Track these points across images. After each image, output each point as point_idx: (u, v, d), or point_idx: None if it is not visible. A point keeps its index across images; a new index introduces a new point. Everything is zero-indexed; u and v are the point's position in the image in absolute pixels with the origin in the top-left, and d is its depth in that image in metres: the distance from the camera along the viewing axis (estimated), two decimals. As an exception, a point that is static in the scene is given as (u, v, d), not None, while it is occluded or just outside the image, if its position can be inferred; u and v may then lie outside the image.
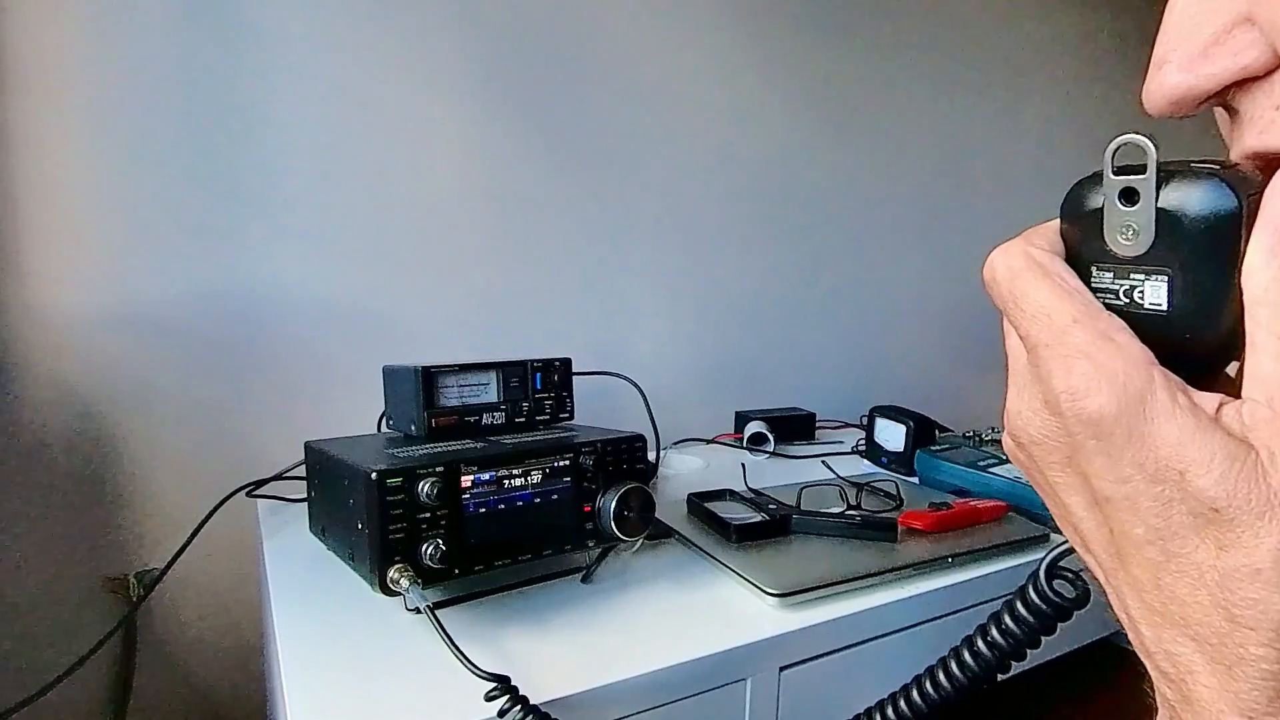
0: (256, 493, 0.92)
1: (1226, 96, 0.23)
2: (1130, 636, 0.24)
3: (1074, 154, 1.86)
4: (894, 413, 1.14)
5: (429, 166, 1.12)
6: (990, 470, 0.96)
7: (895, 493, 0.92)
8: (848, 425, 1.44)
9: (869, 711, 0.46)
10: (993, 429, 1.12)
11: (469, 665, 0.50)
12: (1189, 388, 0.22)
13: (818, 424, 1.38)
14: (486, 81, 1.15)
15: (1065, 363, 0.23)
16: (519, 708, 0.47)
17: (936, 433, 1.13)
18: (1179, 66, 0.23)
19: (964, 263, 1.72)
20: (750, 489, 0.91)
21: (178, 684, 1.02)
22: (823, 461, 1.17)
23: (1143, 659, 0.24)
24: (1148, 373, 0.22)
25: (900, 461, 1.10)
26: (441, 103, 1.12)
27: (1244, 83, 0.22)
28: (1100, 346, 0.22)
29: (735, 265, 1.42)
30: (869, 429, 1.18)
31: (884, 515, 0.81)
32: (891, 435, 1.13)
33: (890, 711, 0.44)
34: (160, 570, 0.92)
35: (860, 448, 1.23)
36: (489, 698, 0.48)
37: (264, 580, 0.74)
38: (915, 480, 1.05)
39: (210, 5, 0.96)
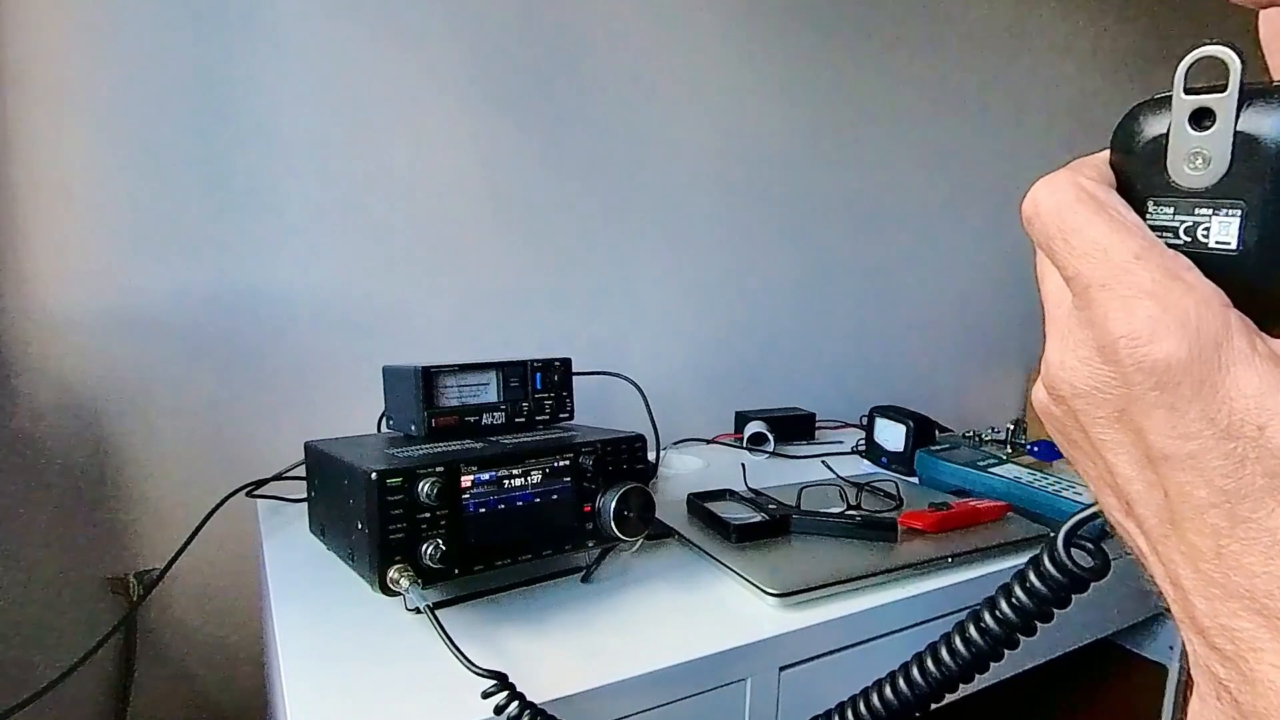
0: (256, 493, 0.92)
1: None
2: (1175, 610, 0.22)
3: (1074, 153, 1.86)
4: (894, 413, 1.14)
5: (429, 166, 1.12)
6: (990, 470, 0.96)
7: (895, 493, 0.92)
8: (847, 425, 1.44)
9: (866, 692, 0.45)
10: (992, 429, 1.12)
11: (467, 664, 0.50)
12: (1264, 334, 0.20)
13: (817, 424, 1.38)
14: (486, 81, 1.15)
15: (1126, 304, 0.20)
16: (516, 704, 0.47)
17: (936, 433, 1.12)
18: None
19: (962, 263, 1.72)
20: (750, 489, 0.91)
21: (178, 684, 1.02)
22: (823, 461, 1.17)
23: (1190, 634, 0.22)
24: (1223, 316, 0.19)
25: (900, 461, 1.10)
26: (441, 102, 1.12)
27: None
28: (1168, 286, 0.20)
29: (735, 265, 1.42)
30: (869, 429, 1.18)
31: (884, 515, 0.81)
32: (891, 435, 1.13)
33: (890, 690, 0.43)
34: (160, 570, 0.92)
35: (860, 448, 1.23)
36: (486, 695, 0.48)
37: (264, 580, 0.74)
38: (915, 480, 1.05)
39: (210, 5, 0.96)
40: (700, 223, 1.37)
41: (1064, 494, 0.87)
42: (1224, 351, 0.19)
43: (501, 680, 0.48)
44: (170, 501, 0.98)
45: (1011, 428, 1.10)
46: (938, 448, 1.06)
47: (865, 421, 1.20)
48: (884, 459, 1.14)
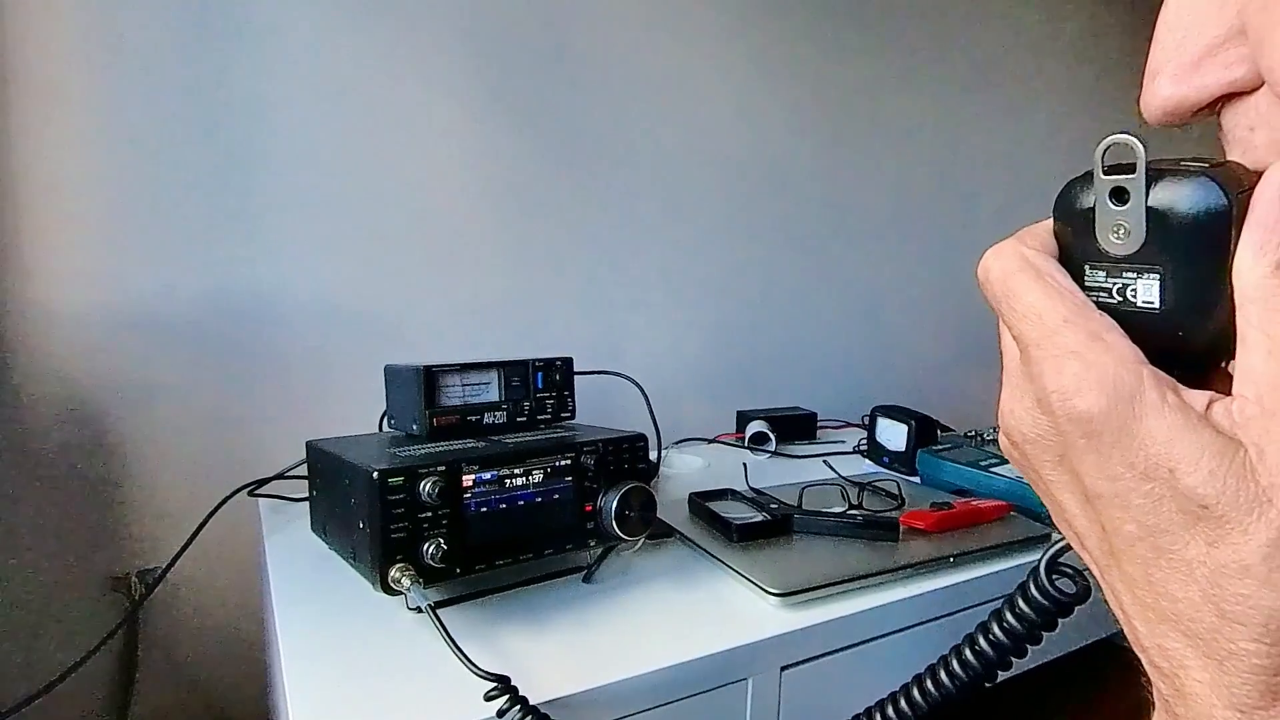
0: (258, 492, 0.92)
1: (1217, 109, 0.23)
2: (1125, 631, 0.25)
3: (1078, 153, 1.85)
4: (896, 412, 1.13)
5: (431, 166, 1.12)
6: (992, 470, 0.96)
7: (897, 492, 0.91)
8: (849, 425, 1.44)
9: (870, 710, 0.46)
10: (994, 429, 1.11)
11: (469, 665, 0.50)
12: (1179, 386, 0.22)
13: (819, 423, 1.38)
14: (489, 81, 1.15)
15: (1056, 362, 0.23)
16: (518, 708, 0.47)
17: (938, 432, 1.12)
18: (1170, 77, 0.23)
19: (966, 262, 1.71)
20: (752, 488, 0.91)
21: (179, 682, 1.02)
22: (824, 461, 1.17)
23: (1138, 653, 0.24)
24: (1137, 372, 0.22)
25: (902, 461, 1.10)
26: (444, 102, 1.12)
27: (1231, 97, 0.23)
28: (1090, 346, 0.22)
29: (737, 265, 1.42)
30: (870, 428, 1.18)
31: (885, 515, 0.81)
32: (893, 435, 1.12)
33: (891, 710, 0.44)
34: (162, 569, 0.92)
35: (862, 447, 1.23)
36: (488, 697, 0.48)
37: (265, 579, 0.75)
38: (917, 480, 1.05)
39: (214, 5, 0.96)
40: (702, 222, 1.37)
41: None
42: (1137, 404, 0.21)
43: (504, 683, 0.48)
44: (172, 500, 0.98)
45: (1013, 427, 1.09)
46: (939, 447, 1.06)
47: (867, 421, 1.20)
48: (886, 458, 1.14)
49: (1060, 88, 1.85)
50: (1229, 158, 0.23)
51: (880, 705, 0.45)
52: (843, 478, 1.02)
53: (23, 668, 0.91)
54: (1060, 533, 0.28)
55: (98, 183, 0.93)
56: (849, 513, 0.82)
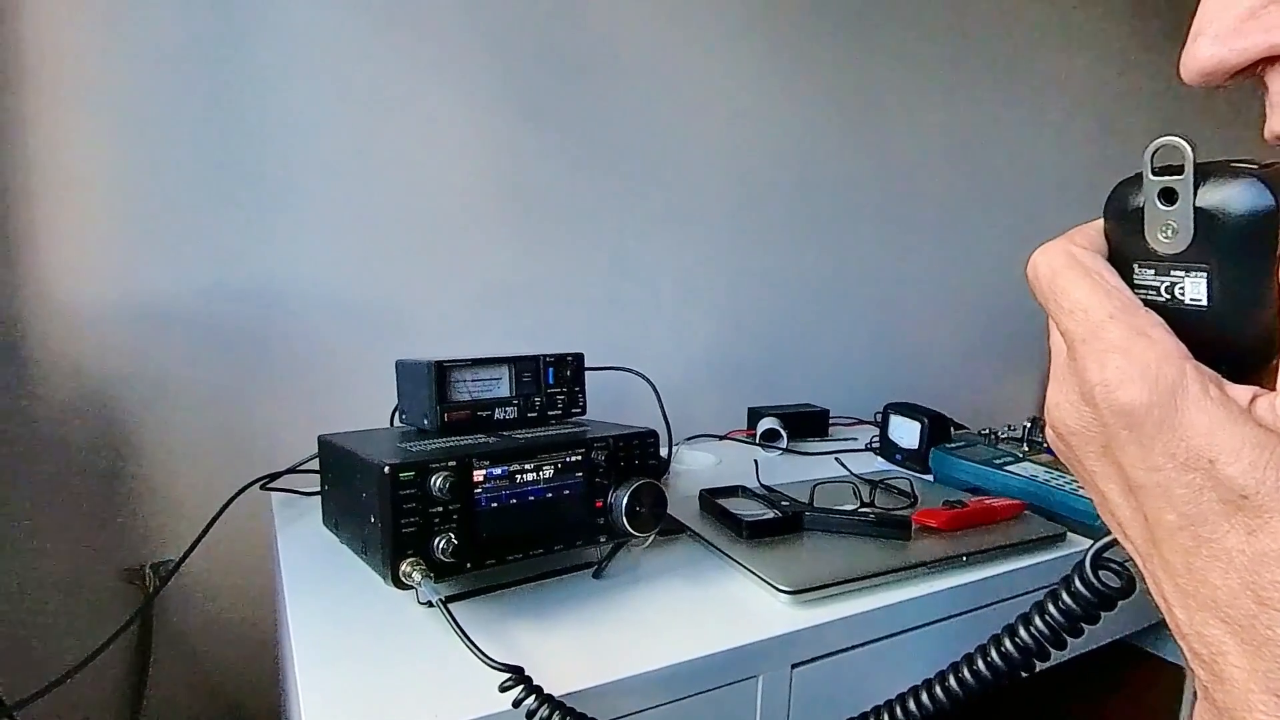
0: (270, 486, 0.92)
1: (1259, 71, 0.23)
2: (1167, 619, 0.25)
3: (1094, 148, 1.84)
4: (908, 409, 1.13)
5: (444, 161, 1.13)
6: (1006, 468, 0.95)
7: (909, 490, 0.91)
8: (861, 422, 1.44)
9: (917, 689, 0.46)
10: (1008, 426, 1.11)
11: (483, 657, 0.50)
12: (1222, 380, 0.23)
13: (831, 420, 1.38)
14: (501, 76, 1.15)
15: (1100, 357, 0.23)
16: (533, 697, 0.47)
17: (951, 430, 1.12)
18: (1212, 39, 0.23)
19: (980, 259, 1.71)
20: (763, 485, 0.90)
21: (193, 674, 1.03)
22: (836, 458, 1.16)
23: (1178, 641, 0.25)
24: (1180, 366, 0.22)
25: (915, 459, 1.09)
26: (457, 97, 1.12)
27: (1274, 60, 0.23)
28: (1134, 341, 0.23)
29: (749, 261, 1.41)
30: (883, 426, 1.17)
31: (898, 513, 0.80)
32: (906, 432, 1.12)
33: (925, 697, 0.44)
34: (176, 562, 0.93)
35: (874, 445, 1.22)
36: (504, 688, 0.48)
37: (278, 573, 0.75)
38: (930, 478, 1.04)
39: (226, 1, 0.97)
40: (714, 218, 1.37)
41: (1080, 493, 0.86)
42: (1179, 397, 0.22)
43: (518, 674, 0.48)
44: (185, 494, 0.99)
45: (1028, 425, 1.09)
46: (953, 445, 1.05)
47: (879, 418, 1.19)
48: (898, 456, 1.13)
49: (1079, 88, 1.83)
50: (1271, 121, 0.24)
51: (914, 691, 0.45)
52: (855, 475, 1.01)
53: (37, 660, 0.92)
54: (1106, 525, 0.28)
55: (110, 178, 0.94)
56: (861, 510, 0.82)
